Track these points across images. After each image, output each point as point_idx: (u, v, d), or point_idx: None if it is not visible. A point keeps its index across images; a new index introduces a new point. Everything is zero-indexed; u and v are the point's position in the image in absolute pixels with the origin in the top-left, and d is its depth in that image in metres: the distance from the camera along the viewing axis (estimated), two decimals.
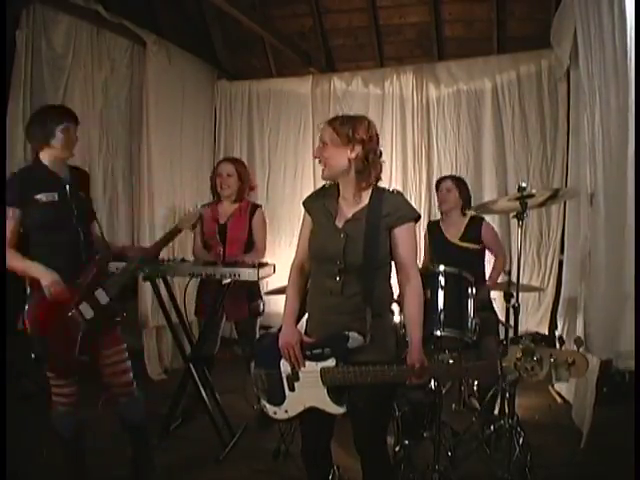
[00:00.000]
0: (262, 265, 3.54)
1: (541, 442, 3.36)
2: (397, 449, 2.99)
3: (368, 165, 2.27)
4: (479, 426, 3.43)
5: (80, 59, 4.53)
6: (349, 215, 2.31)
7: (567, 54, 4.24)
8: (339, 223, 2.31)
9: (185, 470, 3.28)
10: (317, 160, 2.34)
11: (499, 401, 3.45)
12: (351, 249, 2.24)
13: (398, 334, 2.46)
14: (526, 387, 3.52)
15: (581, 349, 2.04)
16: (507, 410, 3.13)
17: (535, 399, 4.30)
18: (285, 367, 2.34)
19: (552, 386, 4.48)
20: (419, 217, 2.34)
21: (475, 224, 3.96)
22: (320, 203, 2.39)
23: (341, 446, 2.82)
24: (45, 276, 2.62)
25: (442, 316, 3.09)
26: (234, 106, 6.09)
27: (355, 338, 2.22)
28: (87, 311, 2.70)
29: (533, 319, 5.16)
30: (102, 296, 2.74)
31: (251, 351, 3.06)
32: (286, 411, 2.36)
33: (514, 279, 3.27)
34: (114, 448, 3.21)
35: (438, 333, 3.07)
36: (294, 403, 2.34)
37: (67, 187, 2.75)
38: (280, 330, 2.37)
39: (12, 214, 2.64)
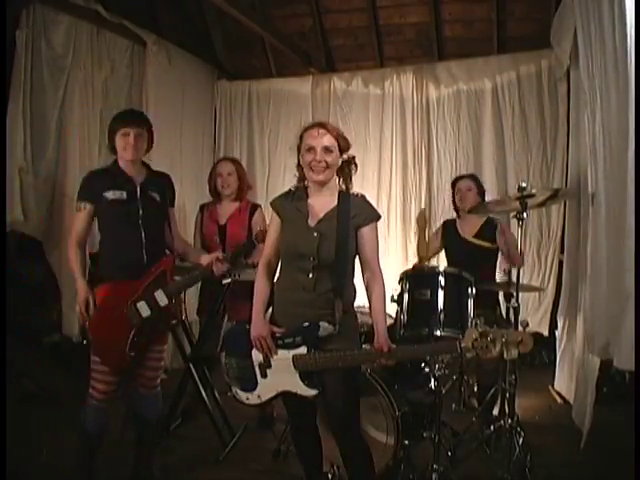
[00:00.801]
0: None
1: (541, 442, 3.36)
2: (397, 449, 2.99)
3: (350, 167, 2.56)
4: (479, 426, 3.43)
5: (80, 59, 4.52)
6: (321, 215, 2.49)
7: (567, 54, 4.24)
8: (312, 222, 2.48)
9: (185, 470, 3.27)
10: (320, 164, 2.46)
11: (499, 401, 3.45)
12: (324, 247, 2.42)
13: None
14: (526, 387, 3.52)
15: (527, 329, 2.41)
16: (507, 410, 3.13)
17: (535, 399, 4.30)
18: (257, 356, 2.51)
19: (552, 386, 4.48)
20: (380, 217, 2.57)
21: (491, 224, 3.95)
22: (291, 204, 2.56)
23: None
24: (80, 292, 2.78)
25: (442, 316, 3.09)
26: (234, 106, 6.08)
27: (325, 327, 2.40)
28: (144, 310, 2.77)
29: (533, 319, 5.14)
30: (162, 297, 2.80)
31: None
32: (259, 396, 2.54)
33: (514, 279, 3.27)
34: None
35: (438, 333, 3.07)
36: (267, 388, 2.52)
37: (138, 187, 2.84)
38: (248, 322, 2.52)
39: (80, 208, 2.80)
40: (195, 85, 5.74)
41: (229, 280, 3.47)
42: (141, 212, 2.82)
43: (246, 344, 2.51)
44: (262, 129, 6.01)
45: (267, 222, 4.10)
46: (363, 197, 2.57)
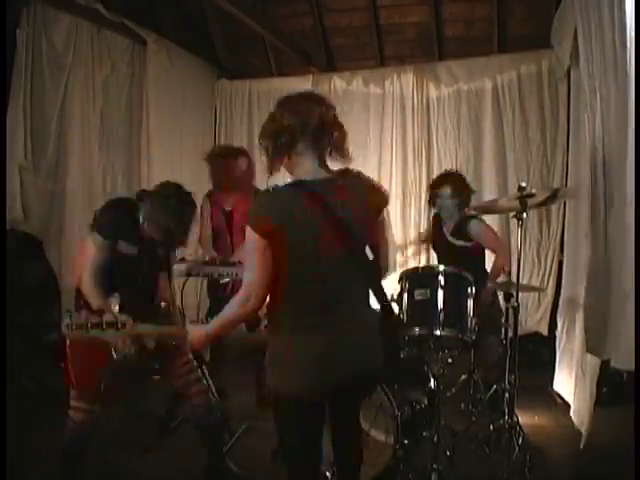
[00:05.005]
0: None
1: (540, 442, 3.36)
2: (397, 449, 2.99)
3: None
4: (478, 426, 3.43)
5: (81, 58, 4.54)
6: None
7: (567, 54, 4.23)
8: None
9: (184, 470, 3.27)
10: None
11: (499, 401, 3.45)
12: None
13: None
14: (526, 387, 3.52)
15: None
16: (507, 410, 3.14)
17: (535, 399, 4.29)
18: None
19: (551, 386, 4.48)
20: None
21: (464, 222, 3.91)
22: None
23: None
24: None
25: (442, 316, 3.09)
26: (234, 105, 6.09)
27: None
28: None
29: (533, 319, 5.16)
30: (149, 339, 2.64)
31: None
32: None
33: (514, 279, 3.27)
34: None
35: (438, 332, 3.06)
36: None
37: (149, 246, 2.76)
38: None
39: (99, 244, 2.65)
40: (195, 84, 5.75)
41: (227, 280, 3.47)
42: (147, 267, 2.78)
43: None
44: None
45: None
46: None
